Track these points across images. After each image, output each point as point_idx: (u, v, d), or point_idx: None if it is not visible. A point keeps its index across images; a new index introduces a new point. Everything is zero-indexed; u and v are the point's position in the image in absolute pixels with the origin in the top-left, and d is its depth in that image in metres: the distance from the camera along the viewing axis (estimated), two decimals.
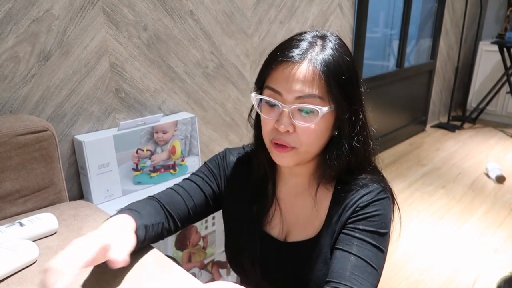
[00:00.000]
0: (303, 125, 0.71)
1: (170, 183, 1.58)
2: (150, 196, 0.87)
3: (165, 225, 0.83)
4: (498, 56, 3.81)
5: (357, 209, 0.75)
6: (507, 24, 4.12)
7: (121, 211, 0.79)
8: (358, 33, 2.67)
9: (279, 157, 0.75)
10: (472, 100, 4.22)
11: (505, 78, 3.79)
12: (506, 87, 3.91)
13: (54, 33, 1.26)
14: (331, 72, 0.69)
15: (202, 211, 0.90)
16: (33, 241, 0.91)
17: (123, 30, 1.43)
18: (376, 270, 0.70)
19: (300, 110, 0.71)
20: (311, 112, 0.70)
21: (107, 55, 1.41)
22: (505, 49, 3.68)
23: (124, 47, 1.45)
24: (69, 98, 1.35)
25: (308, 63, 0.69)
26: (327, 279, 0.70)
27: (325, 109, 0.70)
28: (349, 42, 2.64)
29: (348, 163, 0.77)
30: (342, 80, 0.70)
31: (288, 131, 0.72)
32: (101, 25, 1.37)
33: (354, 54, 2.72)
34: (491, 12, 4.30)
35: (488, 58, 4.04)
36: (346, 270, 0.69)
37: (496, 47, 3.77)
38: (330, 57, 0.70)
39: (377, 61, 3.34)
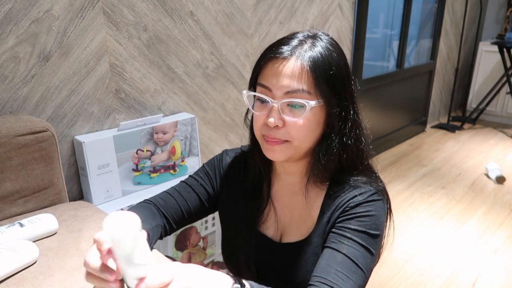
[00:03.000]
0: (292, 119, 0.72)
1: (170, 183, 1.58)
2: (145, 200, 0.89)
3: (162, 227, 0.85)
4: (498, 56, 3.81)
5: (346, 208, 0.75)
6: (507, 25, 4.12)
7: None
8: (358, 34, 2.67)
9: (270, 151, 0.76)
10: (472, 101, 4.23)
11: (505, 78, 3.79)
12: (506, 88, 3.91)
13: (54, 33, 1.26)
14: (319, 67, 0.70)
15: (197, 213, 0.91)
16: (33, 241, 0.91)
17: (123, 31, 1.44)
18: (362, 270, 0.70)
19: (289, 105, 0.72)
20: (300, 106, 0.71)
21: (107, 55, 1.41)
22: (505, 50, 3.68)
23: (124, 47, 1.46)
24: (69, 98, 1.35)
25: (296, 59, 0.71)
26: (313, 274, 0.70)
27: (312, 103, 0.70)
28: (349, 43, 2.65)
29: (340, 160, 0.77)
30: (330, 75, 0.71)
31: (277, 126, 0.72)
32: (101, 26, 1.37)
33: (354, 54, 2.72)
34: (491, 12, 4.30)
35: (488, 59, 4.05)
36: (331, 267, 0.69)
37: (496, 48, 3.77)
38: (318, 54, 0.71)
39: (377, 62, 3.34)
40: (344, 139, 0.76)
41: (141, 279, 0.50)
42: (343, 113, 0.75)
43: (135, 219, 0.49)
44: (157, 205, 0.86)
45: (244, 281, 0.59)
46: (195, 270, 0.55)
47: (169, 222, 0.86)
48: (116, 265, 0.54)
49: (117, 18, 1.41)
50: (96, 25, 1.36)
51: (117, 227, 0.48)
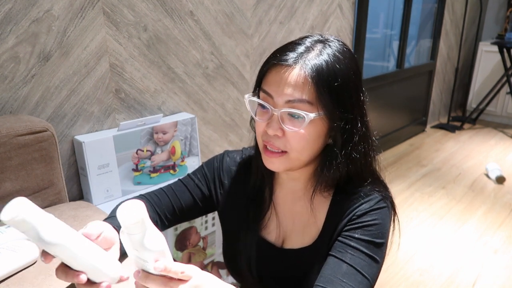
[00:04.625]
0: (292, 129, 0.70)
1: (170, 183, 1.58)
2: (140, 195, 0.89)
3: (155, 221, 0.85)
4: (498, 56, 3.81)
5: (353, 217, 0.74)
6: (507, 25, 4.12)
7: (113, 212, 0.82)
8: (358, 34, 2.67)
9: (269, 162, 0.75)
10: (472, 101, 4.23)
11: (505, 78, 3.79)
12: (506, 88, 3.91)
13: (54, 33, 1.26)
14: (322, 78, 0.68)
15: (190, 212, 0.90)
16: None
17: (123, 31, 1.44)
18: (367, 279, 0.69)
19: (290, 114, 0.70)
20: (300, 117, 0.69)
21: (107, 55, 1.41)
22: (505, 50, 3.68)
23: (124, 47, 1.46)
24: (69, 98, 1.35)
25: (300, 68, 0.68)
26: (316, 283, 0.69)
27: (312, 115, 0.68)
28: (349, 43, 2.65)
29: (347, 172, 0.75)
30: (335, 86, 0.68)
31: (277, 135, 0.71)
32: (101, 26, 1.37)
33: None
34: (491, 13, 4.30)
35: (488, 59, 4.05)
36: (336, 277, 0.68)
37: (496, 48, 3.77)
38: (323, 63, 0.68)
39: (377, 62, 3.34)
40: (351, 152, 0.73)
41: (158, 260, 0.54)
42: (349, 126, 0.72)
43: (140, 206, 0.52)
44: (150, 201, 0.87)
45: None
46: (211, 280, 0.60)
47: (161, 219, 0.86)
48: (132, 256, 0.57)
49: (117, 18, 1.41)
50: (96, 25, 1.36)
51: (124, 214, 0.51)
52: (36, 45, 1.23)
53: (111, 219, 0.77)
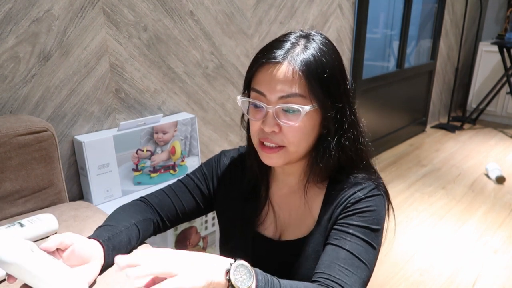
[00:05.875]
0: (288, 124, 0.71)
1: (170, 183, 1.58)
2: (140, 197, 0.90)
3: (154, 223, 0.86)
4: (498, 56, 3.81)
5: (347, 205, 0.75)
6: (507, 25, 4.12)
7: (108, 219, 0.82)
8: (358, 34, 2.67)
9: (267, 158, 0.76)
10: (472, 101, 4.23)
11: (505, 78, 3.79)
12: (506, 88, 3.91)
13: (54, 33, 1.26)
14: (311, 71, 0.70)
15: (191, 212, 0.92)
16: (33, 241, 0.91)
17: (123, 31, 1.43)
18: (365, 264, 0.70)
19: (284, 110, 0.72)
20: (295, 111, 0.71)
21: (107, 55, 1.41)
22: (505, 50, 3.68)
23: (124, 47, 1.45)
24: (69, 98, 1.35)
25: (289, 63, 0.70)
26: (315, 271, 0.71)
27: (307, 107, 0.70)
28: (349, 43, 2.65)
29: (339, 161, 0.77)
30: (324, 78, 0.71)
31: (274, 131, 0.72)
32: (101, 26, 1.37)
33: (354, 54, 2.72)
34: (491, 13, 4.30)
35: (488, 59, 4.05)
36: (335, 263, 0.69)
37: (496, 48, 3.77)
38: (310, 57, 0.71)
39: (377, 62, 3.34)
40: (342, 140, 0.76)
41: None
42: (339, 115, 0.74)
43: None
44: (151, 203, 0.88)
45: (238, 260, 0.59)
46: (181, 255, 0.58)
47: (163, 220, 0.88)
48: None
49: (117, 18, 1.41)
50: (96, 25, 1.36)
51: None
52: (36, 45, 1.23)
53: (102, 228, 0.77)
